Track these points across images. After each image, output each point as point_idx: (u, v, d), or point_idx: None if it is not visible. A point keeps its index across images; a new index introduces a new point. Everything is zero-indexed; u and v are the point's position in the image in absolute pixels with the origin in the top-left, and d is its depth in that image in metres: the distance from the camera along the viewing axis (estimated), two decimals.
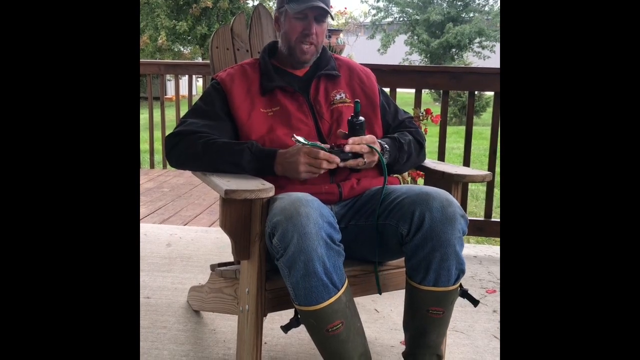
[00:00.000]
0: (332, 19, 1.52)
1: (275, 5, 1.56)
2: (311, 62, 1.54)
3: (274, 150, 1.37)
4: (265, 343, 1.70)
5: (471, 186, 4.37)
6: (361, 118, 1.38)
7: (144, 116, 5.12)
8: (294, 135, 1.34)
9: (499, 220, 2.67)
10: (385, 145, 1.43)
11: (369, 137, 1.38)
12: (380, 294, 1.43)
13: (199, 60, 14.01)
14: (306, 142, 1.32)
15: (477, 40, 17.64)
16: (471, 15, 17.95)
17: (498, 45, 16.76)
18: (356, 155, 1.34)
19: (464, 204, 2.70)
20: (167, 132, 1.52)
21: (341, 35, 3.60)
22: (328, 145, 1.35)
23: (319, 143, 1.34)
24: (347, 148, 1.33)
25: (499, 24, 16.49)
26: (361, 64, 1.71)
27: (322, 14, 1.47)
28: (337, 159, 1.32)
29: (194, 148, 1.39)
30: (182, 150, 1.42)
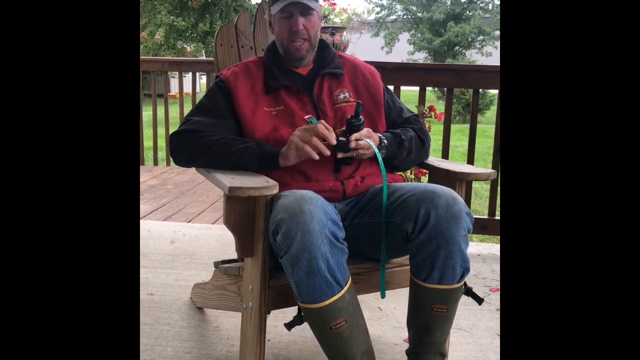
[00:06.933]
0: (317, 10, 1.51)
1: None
2: (309, 57, 1.54)
3: (278, 149, 1.37)
4: (268, 340, 1.71)
5: (474, 184, 4.36)
6: (361, 118, 1.38)
7: (147, 113, 5.12)
8: (308, 116, 1.38)
9: None
10: (385, 140, 1.43)
11: (365, 131, 1.39)
12: (383, 297, 1.43)
13: (202, 57, 14.01)
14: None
15: (480, 38, 17.58)
16: (473, 12, 17.89)
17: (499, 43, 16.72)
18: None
19: (467, 202, 2.69)
20: (171, 130, 1.53)
21: (344, 32, 3.59)
22: (334, 142, 1.34)
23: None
24: (353, 144, 1.35)
25: (498, 21, 16.47)
26: (365, 61, 1.70)
27: (305, 7, 1.46)
28: (327, 152, 1.32)
29: (197, 146, 1.39)
30: (186, 149, 1.42)
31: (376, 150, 1.38)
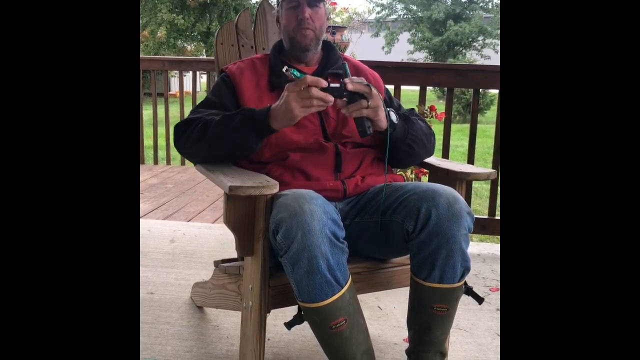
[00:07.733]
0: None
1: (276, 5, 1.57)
2: (313, 50, 1.53)
3: (267, 108, 1.34)
4: (268, 339, 1.71)
5: (474, 184, 4.37)
6: (354, 78, 1.35)
7: (147, 112, 5.11)
8: (285, 67, 1.33)
9: None
10: (391, 111, 1.40)
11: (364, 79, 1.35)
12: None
13: (203, 56, 14.00)
14: (296, 75, 1.30)
15: (480, 38, 17.58)
16: (473, 12, 17.89)
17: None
18: (354, 97, 1.31)
19: (468, 202, 2.69)
20: (171, 129, 1.53)
21: (345, 32, 3.59)
22: (325, 84, 1.28)
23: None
24: (350, 86, 1.30)
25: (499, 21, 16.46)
26: (365, 61, 1.70)
27: None
28: (331, 98, 1.28)
29: (196, 131, 1.40)
30: (188, 136, 1.43)
31: (374, 90, 1.31)
